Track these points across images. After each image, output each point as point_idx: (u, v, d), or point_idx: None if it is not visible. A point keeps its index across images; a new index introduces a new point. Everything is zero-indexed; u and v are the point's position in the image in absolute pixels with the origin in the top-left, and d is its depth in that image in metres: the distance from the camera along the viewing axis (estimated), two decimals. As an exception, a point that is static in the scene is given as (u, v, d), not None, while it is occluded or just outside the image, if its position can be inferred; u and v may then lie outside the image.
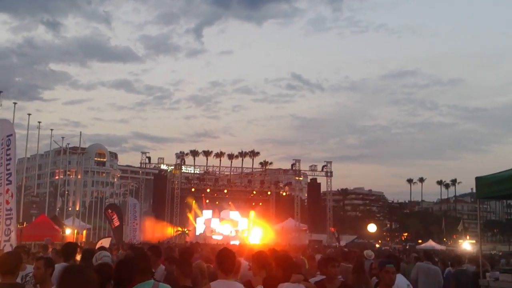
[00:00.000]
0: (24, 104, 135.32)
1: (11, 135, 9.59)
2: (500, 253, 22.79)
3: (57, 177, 58.42)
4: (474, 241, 31.86)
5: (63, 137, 28.55)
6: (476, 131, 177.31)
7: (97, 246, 16.92)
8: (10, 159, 9.18)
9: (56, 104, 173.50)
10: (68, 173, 48.20)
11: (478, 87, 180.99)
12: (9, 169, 9.08)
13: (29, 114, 22.36)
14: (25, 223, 14.13)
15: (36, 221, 19.02)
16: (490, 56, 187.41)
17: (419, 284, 9.16)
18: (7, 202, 8.87)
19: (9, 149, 9.26)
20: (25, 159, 25.23)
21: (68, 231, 19.83)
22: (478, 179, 8.01)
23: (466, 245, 30.07)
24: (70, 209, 43.39)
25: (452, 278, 9.07)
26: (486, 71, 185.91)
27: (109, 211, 31.42)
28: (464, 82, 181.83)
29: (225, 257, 4.00)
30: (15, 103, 18.71)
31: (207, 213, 46.03)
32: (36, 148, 26.00)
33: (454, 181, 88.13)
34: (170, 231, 43.56)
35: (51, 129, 26.90)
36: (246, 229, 45.47)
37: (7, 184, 8.95)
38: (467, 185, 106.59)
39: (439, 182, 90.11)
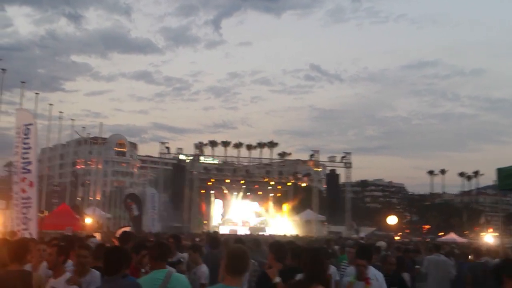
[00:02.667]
0: (47, 95, 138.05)
1: (30, 124, 9.70)
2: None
3: (78, 167, 59.63)
4: (496, 234, 31.14)
5: (83, 127, 29.07)
6: (498, 122, 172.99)
7: (117, 234, 17.20)
8: (29, 148, 9.29)
9: (77, 95, 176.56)
10: (89, 163, 49.07)
11: (501, 77, 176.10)
12: (26, 158, 9.19)
13: (50, 105, 22.61)
14: (46, 212, 14.40)
15: (57, 210, 19.31)
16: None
17: (429, 277, 9.00)
18: (23, 191, 8.98)
19: (28, 138, 9.37)
20: (47, 149, 25.75)
21: (88, 220, 20.18)
22: (499, 170, 7.78)
23: (488, 237, 29.43)
24: (91, 198, 44.18)
25: (468, 271, 8.88)
26: (509, 61, 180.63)
27: (128, 200, 31.91)
28: (486, 72, 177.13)
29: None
30: (37, 93, 19.01)
31: (225, 204, 46.29)
32: (58, 139, 26.57)
33: (476, 173, 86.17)
34: (188, 221, 44.02)
35: (72, 119, 27.40)
36: (264, 220, 45.59)
37: (23, 173, 9.06)
38: (489, 177, 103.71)
39: (461, 174, 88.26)
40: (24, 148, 9.32)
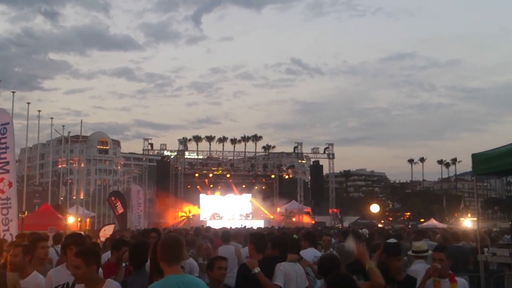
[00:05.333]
0: (25, 94, 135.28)
1: (7, 123, 9.55)
2: (499, 229, 23.02)
3: (60, 166, 58.63)
4: (475, 219, 32.01)
5: (63, 126, 28.46)
6: (474, 111, 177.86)
7: (101, 233, 17.13)
8: (7, 147, 9.17)
9: (57, 93, 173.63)
10: (71, 161, 48.31)
11: (476, 67, 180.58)
12: (3, 158, 9.08)
13: (28, 103, 21.92)
14: (26, 212, 14.23)
15: (39, 210, 19.04)
16: (487, 37, 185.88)
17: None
18: (2, 192, 8.89)
19: (4, 137, 9.25)
20: (26, 149, 25.24)
21: (71, 219, 19.95)
22: (474, 156, 8.02)
23: (467, 222, 30.24)
24: (74, 197, 43.66)
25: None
26: (483, 52, 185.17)
27: (112, 198, 31.54)
28: (461, 63, 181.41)
29: None
30: (13, 92, 18.51)
31: (211, 198, 46.29)
32: (37, 138, 26.01)
33: (454, 160, 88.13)
34: (174, 216, 43.91)
35: (51, 118, 26.83)
36: (250, 213, 45.78)
37: (0, 173, 8.95)
38: (467, 164, 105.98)
39: (440, 162, 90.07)
40: (1, 148, 9.20)
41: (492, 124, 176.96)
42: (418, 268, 5.38)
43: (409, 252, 5.95)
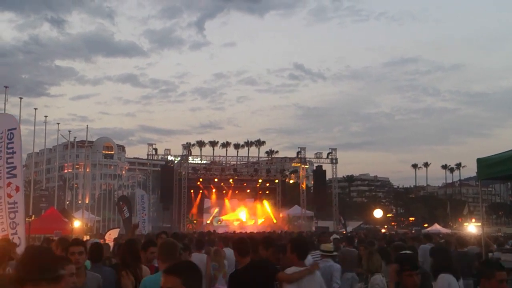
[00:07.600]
0: (31, 100, 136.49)
1: (14, 129, 9.66)
2: (504, 235, 22.88)
3: (66, 171, 58.88)
4: (479, 224, 31.87)
5: (69, 131, 28.68)
6: (478, 115, 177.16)
7: (106, 236, 17.24)
8: (14, 152, 9.26)
9: (63, 99, 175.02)
10: (76, 166, 48.52)
11: (480, 71, 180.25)
12: (11, 163, 9.16)
13: (35, 109, 22.26)
14: (33, 216, 14.34)
15: (45, 214, 19.18)
16: (491, 40, 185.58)
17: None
18: (9, 196, 8.95)
19: (12, 142, 9.33)
20: (33, 154, 25.44)
21: (76, 224, 20.05)
22: (479, 161, 8.06)
23: (471, 227, 30.10)
24: (79, 202, 43.84)
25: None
26: (487, 55, 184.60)
27: (121, 203, 31.95)
28: (465, 67, 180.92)
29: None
30: (21, 98, 18.73)
31: (214, 203, 46.32)
32: (44, 143, 26.18)
33: (458, 165, 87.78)
34: (177, 221, 43.95)
35: (58, 123, 27.08)
36: (253, 217, 45.76)
37: (8, 178, 9.02)
38: (471, 169, 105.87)
39: (444, 167, 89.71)
40: (8, 153, 9.29)
41: (496, 129, 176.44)
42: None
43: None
